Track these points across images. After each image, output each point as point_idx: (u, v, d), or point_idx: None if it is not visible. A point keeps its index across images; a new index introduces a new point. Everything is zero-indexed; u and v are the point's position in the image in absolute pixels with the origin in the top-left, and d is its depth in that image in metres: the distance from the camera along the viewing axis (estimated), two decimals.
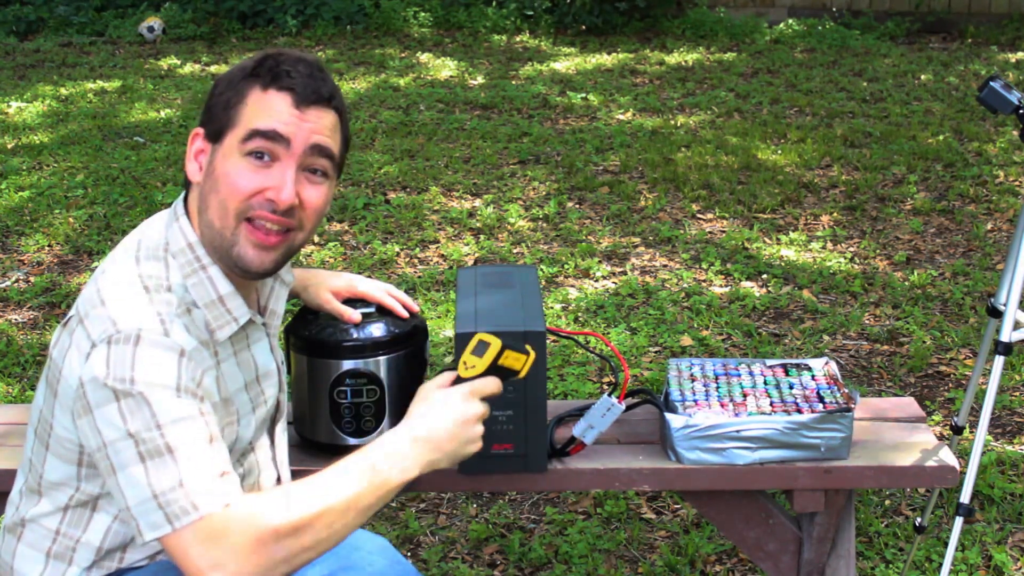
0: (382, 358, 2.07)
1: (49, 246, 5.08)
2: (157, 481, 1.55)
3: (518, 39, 9.17)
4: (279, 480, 1.94)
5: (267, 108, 1.70)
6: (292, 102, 1.70)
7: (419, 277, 4.66)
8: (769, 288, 4.51)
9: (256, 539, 1.53)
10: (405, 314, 2.14)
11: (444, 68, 8.22)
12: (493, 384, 1.73)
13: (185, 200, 1.79)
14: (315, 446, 2.15)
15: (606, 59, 8.43)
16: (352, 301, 2.13)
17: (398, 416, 2.11)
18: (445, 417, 1.69)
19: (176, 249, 1.73)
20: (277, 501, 1.57)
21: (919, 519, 2.74)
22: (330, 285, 2.13)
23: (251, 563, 1.53)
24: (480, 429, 1.72)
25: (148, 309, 1.65)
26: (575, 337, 3.90)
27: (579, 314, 4.30)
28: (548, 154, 6.19)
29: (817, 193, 5.56)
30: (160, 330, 1.63)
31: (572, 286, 4.57)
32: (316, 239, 4.98)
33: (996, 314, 2.40)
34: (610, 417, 2.10)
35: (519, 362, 1.75)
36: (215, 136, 1.73)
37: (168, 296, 1.69)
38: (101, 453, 1.60)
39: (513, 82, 7.75)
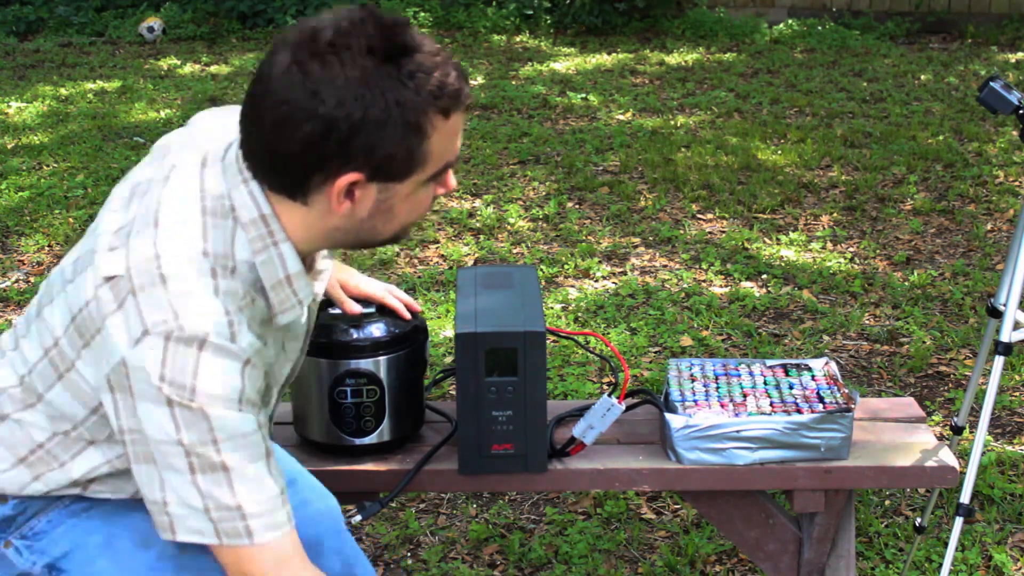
0: (382, 358, 2.07)
1: (49, 246, 5.08)
2: (209, 494, 1.51)
3: (518, 39, 9.17)
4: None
5: (453, 135, 1.54)
6: (463, 114, 1.56)
7: (419, 277, 4.66)
8: (769, 288, 4.51)
9: None
10: (408, 315, 2.14)
11: None
12: None
13: (249, 167, 1.57)
14: (315, 446, 2.15)
15: (606, 59, 8.44)
16: (353, 300, 2.14)
17: (398, 416, 2.13)
18: None
19: (247, 219, 1.56)
20: None
21: (919, 519, 2.74)
22: (339, 275, 2.13)
23: None
24: None
25: (215, 305, 1.50)
26: (575, 337, 3.90)
27: (579, 314, 4.30)
28: (548, 154, 6.19)
29: (817, 193, 5.56)
30: (227, 334, 1.50)
31: (572, 286, 4.57)
32: None
33: (996, 314, 2.40)
34: (610, 417, 2.10)
35: None
36: (392, 178, 1.53)
37: (234, 284, 1.54)
38: (138, 438, 1.52)
39: (513, 82, 7.75)
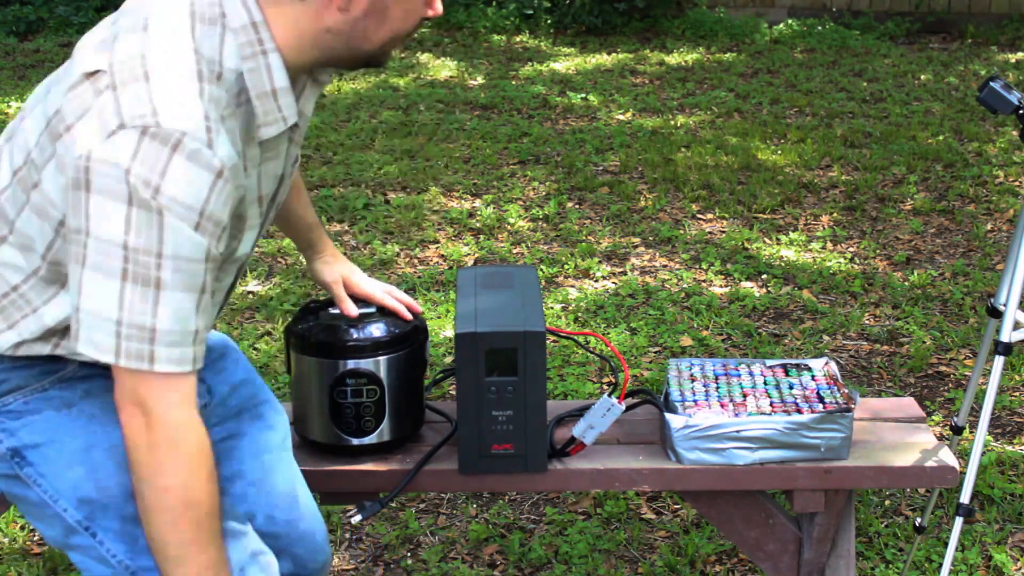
0: (382, 358, 2.07)
1: None
2: (129, 307, 1.47)
3: (518, 39, 9.17)
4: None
5: None
6: None
7: (419, 277, 4.66)
8: (769, 288, 4.51)
9: (185, 435, 1.55)
10: (409, 316, 2.14)
11: (444, 68, 8.22)
12: None
13: None
14: (315, 446, 2.15)
15: (606, 59, 8.44)
16: (354, 301, 2.14)
17: (398, 416, 2.13)
18: None
19: (237, 25, 1.55)
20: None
21: (919, 519, 2.74)
22: (343, 270, 2.15)
23: (167, 439, 1.53)
24: None
25: (196, 106, 1.48)
26: (575, 337, 3.90)
27: (579, 314, 4.30)
28: (548, 154, 6.19)
29: (817, 193, 5.56)
30: (204, 139, 1.47)
31: (572, 286, 4.57)
32: None
33: (996, 314, 2.41)
34: (610, 417, 2.10)
35: None
36: None
37: (219, 91, 1.52)
38: (79, 238, 1.47)
39: (513, 82, 7.75)
